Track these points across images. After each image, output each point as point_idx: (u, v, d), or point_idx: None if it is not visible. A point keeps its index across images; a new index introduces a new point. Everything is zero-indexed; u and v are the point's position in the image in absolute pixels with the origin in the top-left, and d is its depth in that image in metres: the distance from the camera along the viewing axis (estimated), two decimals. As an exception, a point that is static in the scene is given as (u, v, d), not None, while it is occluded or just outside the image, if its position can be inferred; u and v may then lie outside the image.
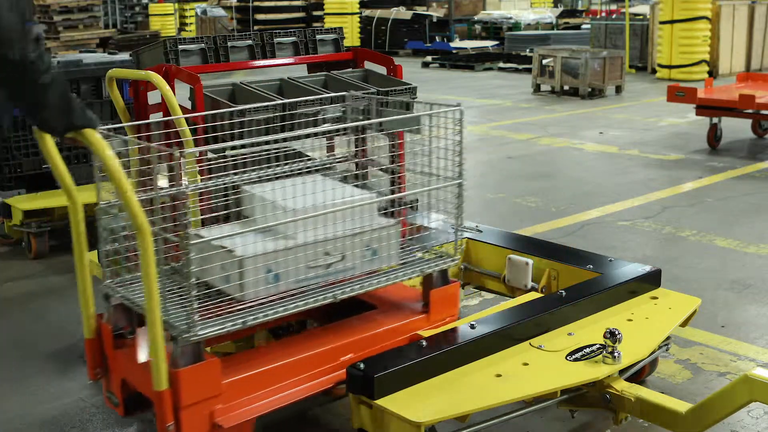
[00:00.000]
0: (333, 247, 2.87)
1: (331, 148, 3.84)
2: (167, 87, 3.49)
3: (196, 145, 3.60)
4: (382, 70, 4.33)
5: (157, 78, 3.54)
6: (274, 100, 3.71)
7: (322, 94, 3.87)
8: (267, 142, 3.33)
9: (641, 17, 16.54)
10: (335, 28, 4.54)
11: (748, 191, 7.06)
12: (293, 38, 4.34)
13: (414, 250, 3.25)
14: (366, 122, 3.23)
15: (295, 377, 2.84)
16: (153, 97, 3.90)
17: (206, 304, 2.71)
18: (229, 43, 4.14)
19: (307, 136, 3.30)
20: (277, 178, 3.26)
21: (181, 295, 2.76)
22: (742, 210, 6.47)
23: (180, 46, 3.98)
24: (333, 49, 4.47)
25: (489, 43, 21.19)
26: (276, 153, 3.36)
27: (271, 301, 2.77)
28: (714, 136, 8.83)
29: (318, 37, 4.41)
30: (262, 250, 2.75)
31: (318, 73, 4.28)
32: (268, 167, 3.34)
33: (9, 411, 3.53)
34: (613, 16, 18.14)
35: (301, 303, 2.80)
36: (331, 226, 2.87)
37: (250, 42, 4.21)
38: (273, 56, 4.27)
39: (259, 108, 3.53)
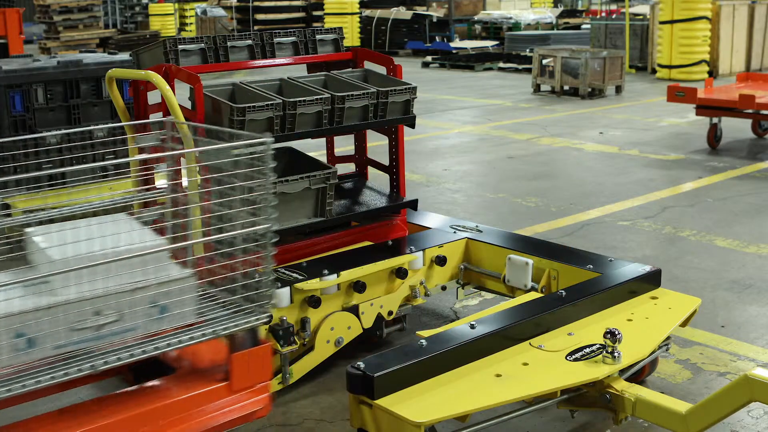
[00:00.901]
0: (107, 305, 2.34)
1: (147, 182, 3.59)
2: (167, 87, 3.48)
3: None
4: (382, 69, 4.33)
5: (156, 78, 3.53)
6: (275, 100, 3.70)
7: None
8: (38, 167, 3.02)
9: (641, 17, 16.54)
10: (335, 28, 4.52)
11: (748, 191, 7.06)
12: (293, 38, 4.33)
13: (218, 304, 2.64)
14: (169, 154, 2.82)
15: None
16: (153, 97, 3.89)
17: None
18: (229, 43, 4.12)
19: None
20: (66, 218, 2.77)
21: None
22: (742, 210, 6.47)
23: (180, 46, 3.96)
24: (333, 49, 4.46)
25: (489, 43, 21.19)
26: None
27: (20, 371, 2.23)
28: (714, 136, 8.83)
29: (318, 37, 4.40)
30: (11, 308, 2.22)
31: (318, 73, 4.27)
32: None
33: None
34: (613, 16, 18.15)
35: (46, 378, 2.24)
36: (108, 280, 2.34)
37: (250, 42, 4.20)
38: (273, 56, 4.26)
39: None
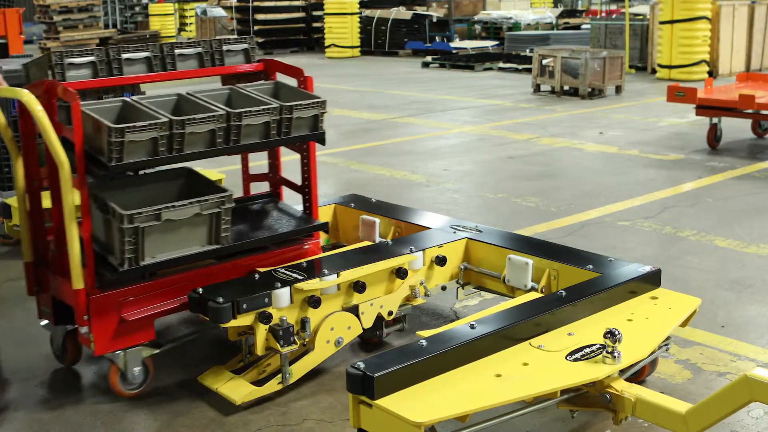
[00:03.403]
0: None
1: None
2: (38, 106, 3.27)
3: (74, 169, 3.35)
4: (294, 82, 4.08)
5: (27, 96, 3.32)
6: (160, 119, 3.41)
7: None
8: None
9: (641, 17, 16.54)
10: (246, 38, 4.24)
11: (748, 191, 7.06)
12: (197, 49, 4.05)
13: None
14: None
15: None
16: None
17: None
18: (124, 55, 3.83)
19: None
20: None
21: None
22: (742, 210, 6.47)
23: (67, 60, 3.68)
24: (243, 60, 4.19)
25: (489, 43, 21.19)
26: None
27: None
28: (714, 136, 8.83)
29: (225, 47, 4.12)
30: None
31: (222, 87, 4.00)
32: None
33: (10, 412, 3.53)
34: (613, 16, 18.14)
35: None
36: None
37: (147, 54, 3.91)
38: (173, 68, 3.98)
39: None
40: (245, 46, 4.19)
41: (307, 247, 4.08)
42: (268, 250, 3.95)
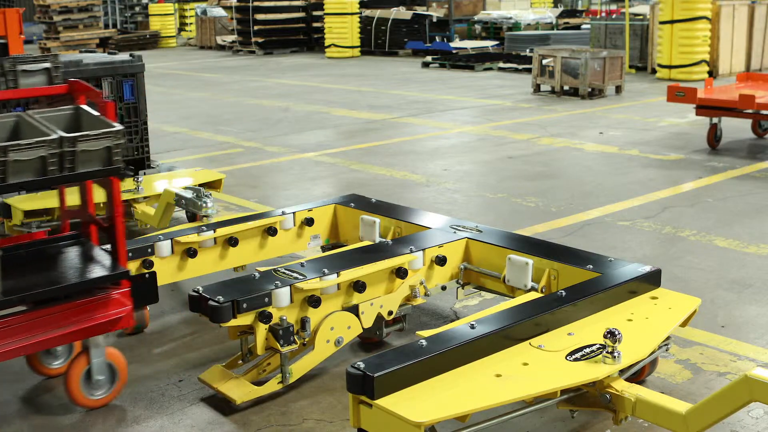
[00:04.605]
0: None
1: None
2: None
3: None
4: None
5: None
6: None
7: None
8: None
9: (641, 17, 16.54)
10: (48, 56, 3.76)
11: (748, 191, 7.06)
12: None
13: None
14: None
15: None
16: None
17: None
18: None
19: None
20: None
21: None
22: (742, 210, 6.47)
23: None
24: (44, 81, 3.70)
25: (489, 43, 21.19)
26: None
27: None
28: (714, 136, 8.83)
29: (21, 67, 3.64)
30: None
31: (8, 114, 3.48)
32: None
33: (8, 410, 3.53)
34: (613, 16, 18.14)
35: None
36: None
37: None
38: None
39: None
40: (47, 65, 3.70)
41: (112, 298, 3.44)
42: (59, 302, 3.33)
